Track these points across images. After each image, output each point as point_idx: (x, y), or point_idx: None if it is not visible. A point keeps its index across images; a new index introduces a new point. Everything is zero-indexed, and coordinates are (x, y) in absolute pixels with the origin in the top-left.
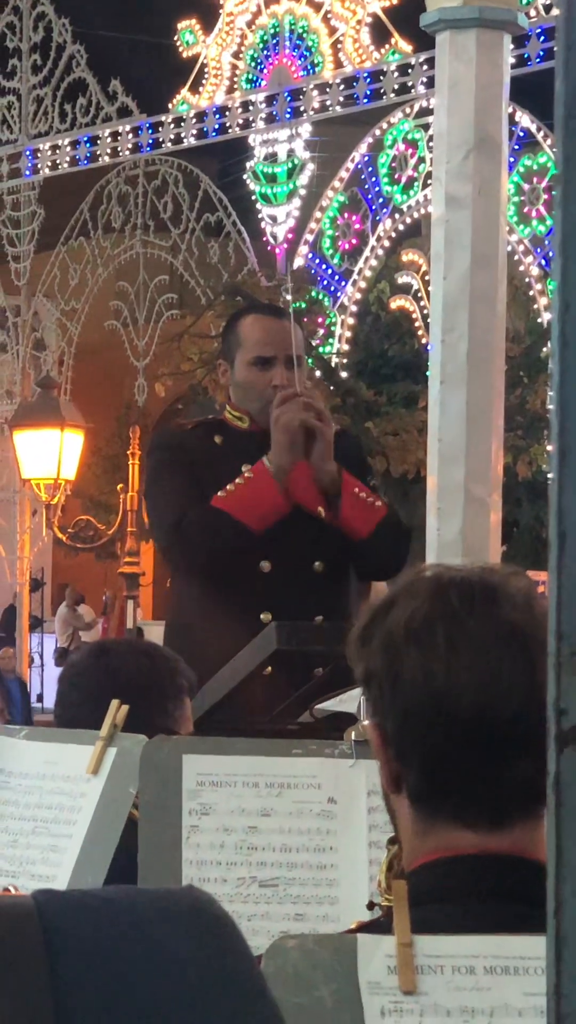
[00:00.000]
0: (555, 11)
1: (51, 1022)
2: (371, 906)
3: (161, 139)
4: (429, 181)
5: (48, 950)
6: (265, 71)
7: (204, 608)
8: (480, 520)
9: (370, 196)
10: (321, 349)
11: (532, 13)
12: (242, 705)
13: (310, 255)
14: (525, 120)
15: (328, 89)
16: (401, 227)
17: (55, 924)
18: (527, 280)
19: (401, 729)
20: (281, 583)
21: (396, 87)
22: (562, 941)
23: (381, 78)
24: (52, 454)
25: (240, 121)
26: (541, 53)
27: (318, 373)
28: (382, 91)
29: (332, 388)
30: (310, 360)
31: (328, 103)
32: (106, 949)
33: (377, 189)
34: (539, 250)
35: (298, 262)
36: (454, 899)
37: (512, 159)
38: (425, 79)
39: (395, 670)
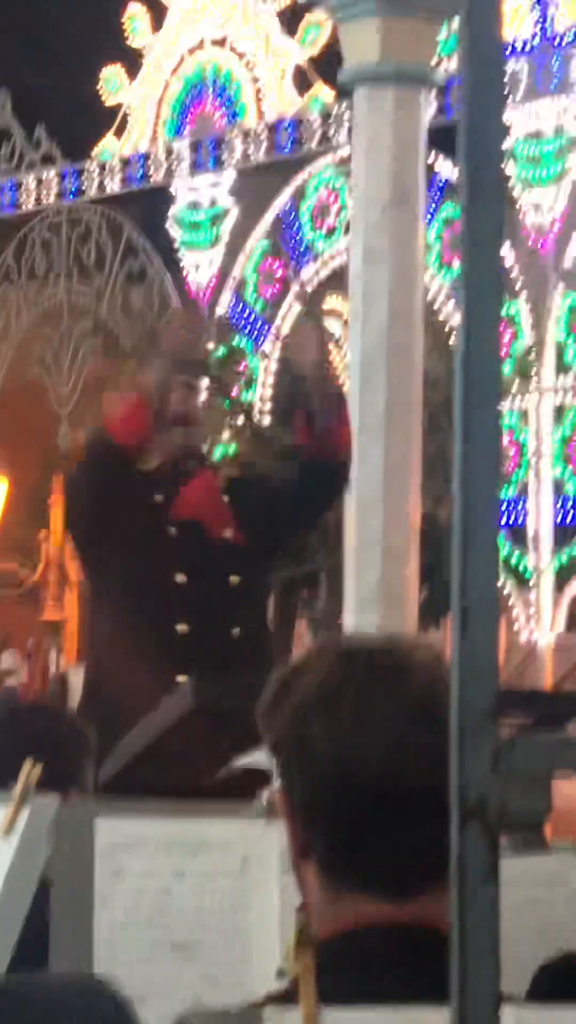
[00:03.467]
0: None
1: None
2: (280, 974)
3: (85, 186)
4: None
5: None
6: (188, 119)
7: (121, 633)
8: (397, 570)
9: (293, 243)
10: (243, 395)
11: (454, 63)
12: (159, 760)
13: (233, 302)
14: (447, 169)
15: (251, 137)
16: (323, 274)
17: None
18: (448, 327)
19: (308, 798)
20: (198, 595)
21: (318, 135)
22: (466, 1015)
23: (303, 126)
24: None
25: (164, 168)
26: None
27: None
28: (304, 139)
29: (251, 437)
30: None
31: (251, 151)
32: None
33: (300, 236)
34: None
35: (221, 309)
36: (361, 970)
37: (433, 207)
38: (348, 127)
39: (302, 739)
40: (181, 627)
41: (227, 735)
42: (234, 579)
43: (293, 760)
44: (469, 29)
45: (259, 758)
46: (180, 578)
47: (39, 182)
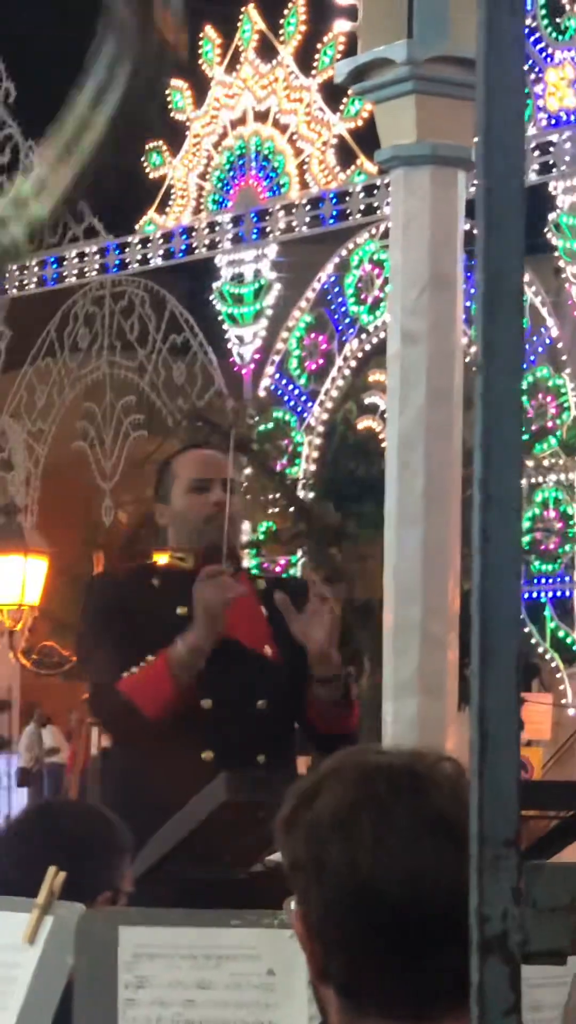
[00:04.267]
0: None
1: None
2: None
3: (127, 260)
4: None
5: None
6: (231, 192)
7: (146, 747)
8: (437, 658)
9: (336, 316)
10: (288, 471)
11: None
12: (193, 854)
13: (277, 375)
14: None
15: (294, 210)
16: (368, 347)
17: None
18: None
19: (325, 921)
20: (223, 721)
21: (362, 207)
22: None
23: (347, 199)
24: (16, 580)
25: (207, 242)
26: None
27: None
28: (348, 212)
29: (294, 511)
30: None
31: (294, 224)
32: None
33: (344, 309)
34: None
35: (264, 383)
36: None
37: (472, 289)
38: (391, 200)
39: (320, 860)
40: (206, 755)
41: (261, 829)
42: (262, 704)
43: (311, 882)
44: (486, 108)
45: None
46: (206, 704)
47: (82, 256)
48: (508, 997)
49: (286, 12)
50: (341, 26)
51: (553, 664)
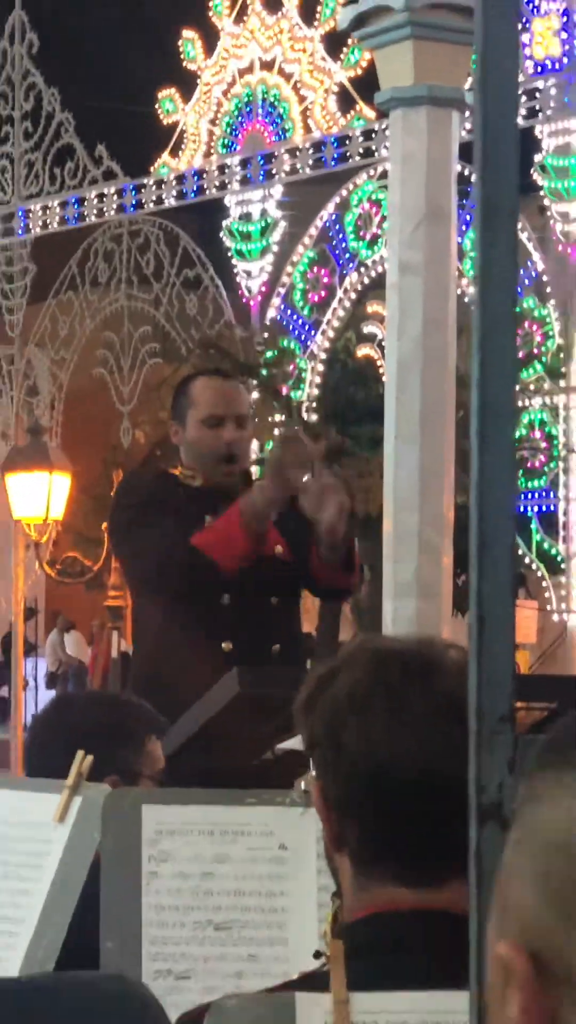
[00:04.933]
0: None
1: None
2: (317, 955)
3: (143, 200)
4: None
5: None
6: (239, 136)
7: (170, 639)
8: (433, 563)
9: (337, 252)
10: (293, 395)
11: None
12: (209, 743)
13: (282, 307)
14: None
15: (298, 153)
16: (366, 280)
17: None
18: None
19: (343, 794)
20: (241, 615)
21: (361, 151)
22: (484, 999)
23: (347, 143)
24: (41, 496)
25: (216, 183)
26: None
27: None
28: (348, 155)
29: (300, 430)
30: (276, 403)
31: (298, 166)
32: None
33: (344, 245)
34: None
35: (271, 313)
36: (390, 952)
37: (468, 218)
38: (388, 144)
39: (337, 739)
40: (226, 645)
41: (271, 720)
42: (275, 600)
43: (328, 757)
44: (484, 57)
45: (299, 742)
46: (225, 599)
47: (101, 197)
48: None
49: None
50: None
51: (539, 574)
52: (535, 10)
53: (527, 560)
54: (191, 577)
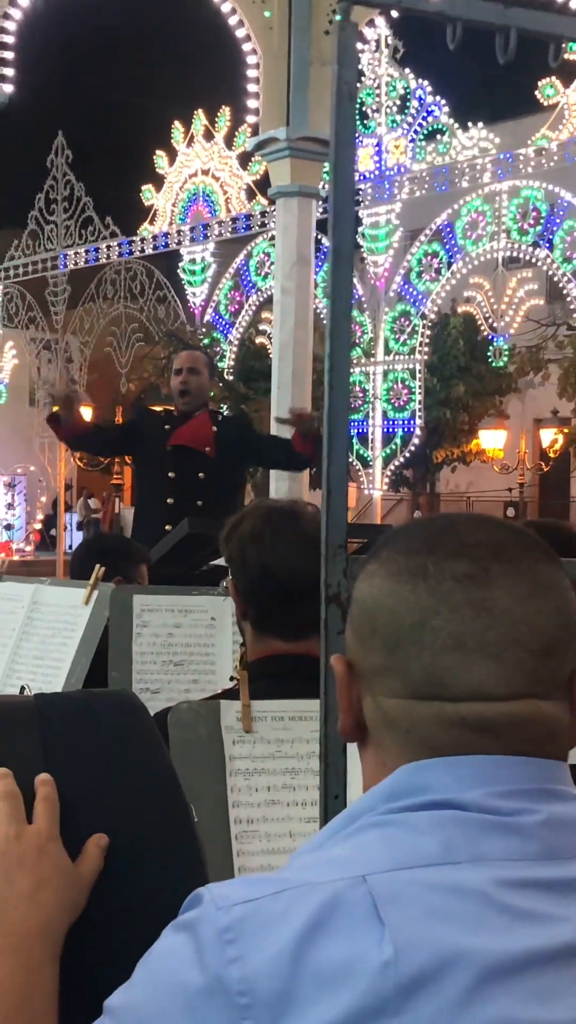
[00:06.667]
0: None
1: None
2: (232, 679)
3: (134, 250)
4: None
5: (42, 733)
6: (189, 213)
7: (143, 496)
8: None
9: (245, 282)
10: (219, 364)
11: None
12: (172, 559)
13: (214, 314)
14: (327, 242)
15: (222, 224)
16: (262, 299)
17: (47, 714)
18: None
19: (247, 587)
20: (179, 482)
21: (260, 223)
22: (328, 706)
23: (251, 218)
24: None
25: (176, 241)
26: None
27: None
28: (251, 225)
29: (223, 386)
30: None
31: (222, 232)
32: (75, 728)
33: (249, 278)
34: None
35: (208, 317)
36: (273, 677)
37: (319, 266)
38: (275, 219)
39: (243, 557)
40: (170, 500)
41: (207, 547)
42: (202, 476)
43: (238, 568)
44: (335, 167)
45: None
46: (171, 475)
47: (108, 247)
48: (340, 626)
49: (218, 114)
50: (249, 119)
51: (357, 467)
52: (360, 142)
53: (350, 458)
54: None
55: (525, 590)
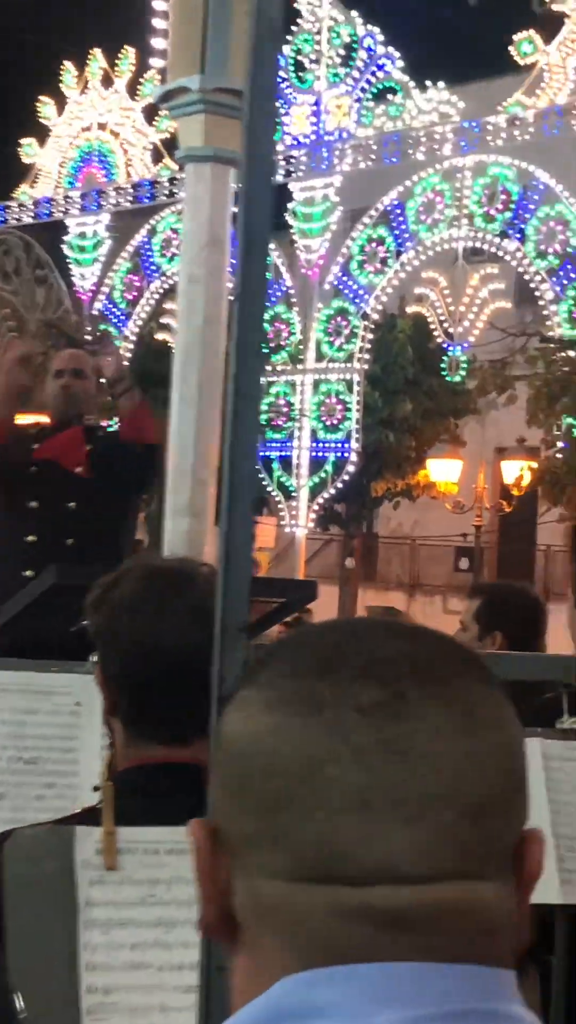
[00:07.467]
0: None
1: None
2: (96, 788)
3: (8, 218)
4: None
5: None
6: (80, 176)
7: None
8: (201, 492)
9: (146, 264)
10: None
11: None
12: (31, 621)
13: (106, 301)
14: None
15: (121, 191)
16: (166, 286)
17: None
18: None
19: (117, 672)
20: (44, 515)
21: (166, 192)
22: None
23: (156, 186)
24: None
25: (63, 209)
26: None
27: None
28: (156, 194)
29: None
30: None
31: (121, 200)
32: None
33: (152, 260)
34: None
35: (97, 306)
36: (149, 795)
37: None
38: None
39: (116, 631)
40: (31, 538)
41: (78, 604)
42: (72, 505)
43: (109, 645)
44: (249, 126)
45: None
46: (33, 505)
47: None
48: None
49: (120, 55)
50: (155, 63)
51: (278, 499)
52: (293, 99)
53: (269, 489)
54: None
55: (455, 725)
